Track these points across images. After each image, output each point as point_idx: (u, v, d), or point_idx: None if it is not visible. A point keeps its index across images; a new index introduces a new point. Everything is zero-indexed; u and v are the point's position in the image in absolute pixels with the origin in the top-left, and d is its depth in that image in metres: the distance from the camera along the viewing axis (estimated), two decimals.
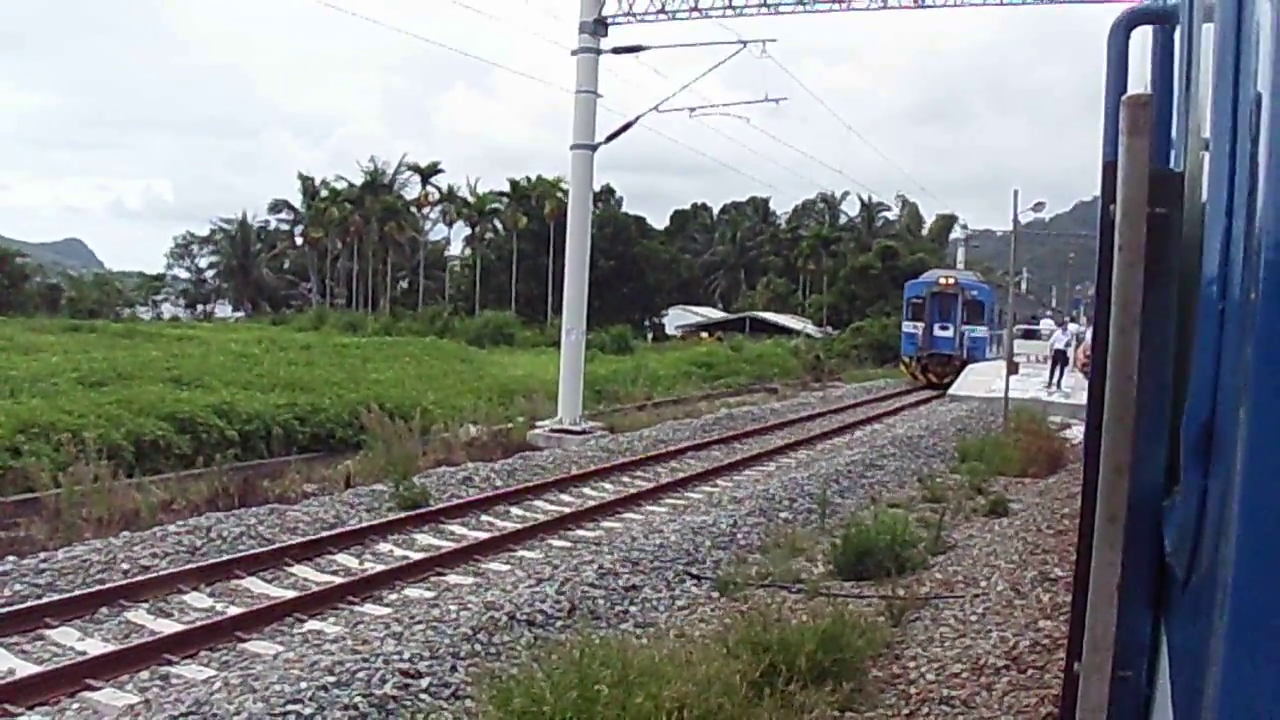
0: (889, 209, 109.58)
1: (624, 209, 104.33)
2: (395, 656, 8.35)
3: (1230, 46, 1.74)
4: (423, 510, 15.16)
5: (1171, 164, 2.88)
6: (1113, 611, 2.08)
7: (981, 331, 44.64)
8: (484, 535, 14.25)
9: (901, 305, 47.99)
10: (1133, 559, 2.15)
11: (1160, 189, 2.18)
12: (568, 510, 16.10)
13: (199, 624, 10.05)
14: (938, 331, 43.61)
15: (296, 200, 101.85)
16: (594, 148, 25.75)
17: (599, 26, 25.48)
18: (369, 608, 10.96)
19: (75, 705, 8.19)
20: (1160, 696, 2.22)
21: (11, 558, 11.58)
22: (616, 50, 25.95)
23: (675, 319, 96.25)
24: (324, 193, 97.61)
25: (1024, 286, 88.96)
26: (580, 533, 14.82)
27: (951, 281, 45.15)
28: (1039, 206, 38.77)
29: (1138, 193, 2.09)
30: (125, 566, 11.56)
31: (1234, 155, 1.67)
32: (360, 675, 7.94)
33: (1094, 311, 2.76)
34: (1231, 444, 1.56)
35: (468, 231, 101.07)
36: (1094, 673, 2.11)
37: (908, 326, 45.38)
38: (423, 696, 7.91)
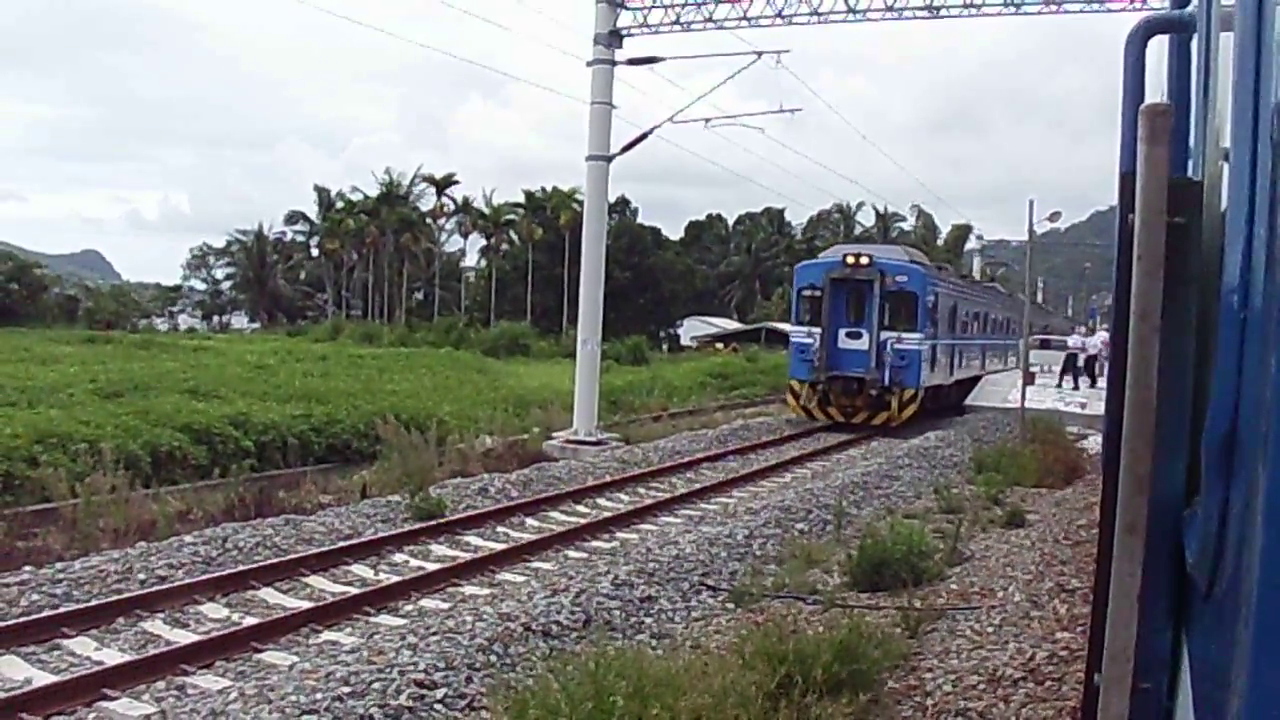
0: (904, 219, 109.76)
1: (639, 220, 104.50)
2: (411, 667, 8.34)
3: (1250, 55, 1.73)
4: (438, 521, 15.16)
5: (1189, 173, 2.87)
6: (1133, 623, 2.07)
7: (913, 340, 28.85)
8: (499, 546, 14.24)
9: (790, 301, 32.76)
10: (1153, 570, 2.14)
11: (1179, 198, 2.18)
12: (583, 521, 16.09)
13: (215, 634, 10.06)
14: (844, 341, 29.15)
15: (312, 212, 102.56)
16: (609, 159, 25.77)
17: (614, 38, 25.52)
18: (384, 618, 10.96)
19: (92, 715, 8.22)
20: (1181, 709, 2.21)
21: (29, 567, 11.61)
22: (631, 62, 25.97)
23: (690, 330, 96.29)
24: (340, 204, 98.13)
25: (1040, 297, 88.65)
26: (596, 544, 14.81)
27: (864, 261, 29.26)
28: (1055, 216, 37.67)
29: (1157, 202, 2.09)
30: (142, 577, 11.59)
31: (1255, 164, 1.66)
32: (375, 686, 7.93)
33: (1112, 321, 2.75)
34: (1254, 454, 1.55)
35: (483, 243, 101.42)
36: (1114, 684, 2.10)
37: (797, 335, 30.44)
38: (438, 707, 7.90)
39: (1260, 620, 1.44)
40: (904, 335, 28.67)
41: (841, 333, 29.21)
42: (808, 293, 30.16)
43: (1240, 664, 1.50)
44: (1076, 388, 39.12)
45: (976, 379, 39.89)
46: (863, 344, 28.88)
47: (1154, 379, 2.06)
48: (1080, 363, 40.80)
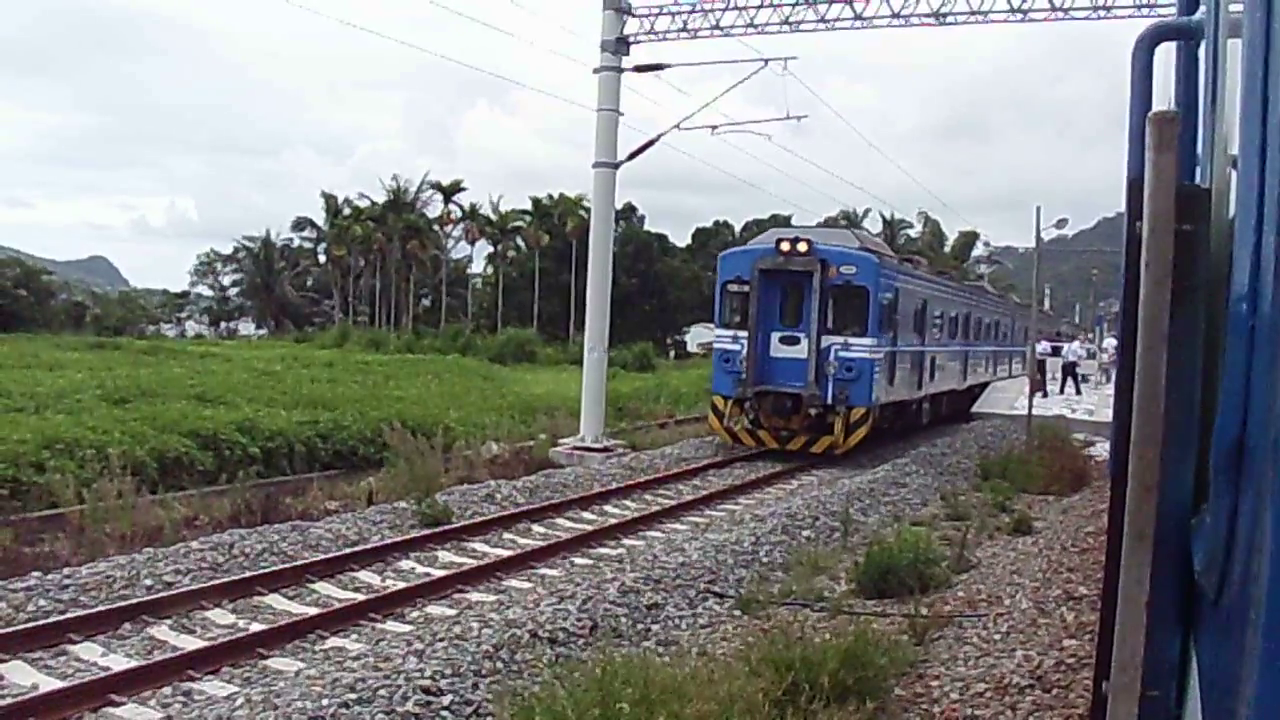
0: (911, 226, 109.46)
1: (646, 226, 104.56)
2: (417, 674, 8.34)
3: (1259, 62, 1.73)
4: (445, 528, 15.17)
5: (1197, 180, 2.87)
6: (1141, 630, 2.06)
7: (863, 347, 23.47)
8: (506, 553, 14.25)
9: (714, 299, 26.16)
10: (1161, 577, 2.14)
11: (1187, 205, 2.17)
12: (590, 528, 16.09)
13: (221, 640, 10.07)
14: (776, 348, 24.01)
15: (319, 218, 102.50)
16: (616, 166, 25.81)
17: (621, 45, 25.57)
18: (391, 625, 10.97)
19: None
20: (1190, 717, 2.20)
21: (36, 573, 11.63)
22: (638, 68, 26.02)
23: (697, 336, 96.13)
24: (347, 211, 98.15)
25: (1047, 304, 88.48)
26: (602, 550, 14.81)
27: (801, 248, 23.72)
28: (1062, 223, 37.43)
29: (1165, 209, 2.08)
30: (148, 582, 11.60)
31: (1263, 171, 1.66)
32: (382, 693, 7.93)
33: (1120, 328, 2.75)
34: (1262, 461, 1.54)
35: (490, 249, 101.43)
36: (1123, 692, 2.09)
37: (721, 340, 25.02)
38: (444, 714, 7.90)
39: (1269, 627, 1.44)
40: (852, 340, 23.46)
41: (774, 337, 24.08)
42: (734, 288, 24.77)
43: (1249, 671, 1.50)
44: (1068, 391, 40.49)
45: (958, 393, 34.81)
46: (800, 351, 23.66)
47: (1162, 386, 2.06)
48: (1053, 370, 42.01)
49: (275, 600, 11.64)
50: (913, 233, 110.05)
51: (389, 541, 14.24)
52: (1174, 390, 2.11)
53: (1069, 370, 41.98)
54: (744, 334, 23.95)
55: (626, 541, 15.44)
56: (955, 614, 10.51)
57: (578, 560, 14.19)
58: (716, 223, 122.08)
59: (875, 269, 23.98)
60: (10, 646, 9.46)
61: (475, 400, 34.61)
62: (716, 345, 25.32)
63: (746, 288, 24.05)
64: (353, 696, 7.79)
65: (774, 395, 23.66)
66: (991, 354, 41.66)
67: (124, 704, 8.46)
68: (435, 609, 11.60)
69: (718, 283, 25.50)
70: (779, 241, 24.18)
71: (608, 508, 18.02)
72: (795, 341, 23.76)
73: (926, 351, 28.88)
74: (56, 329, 66.98)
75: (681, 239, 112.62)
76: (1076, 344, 50.53)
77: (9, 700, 8.30)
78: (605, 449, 25.01)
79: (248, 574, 12.18)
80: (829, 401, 23.28)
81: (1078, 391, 40.42)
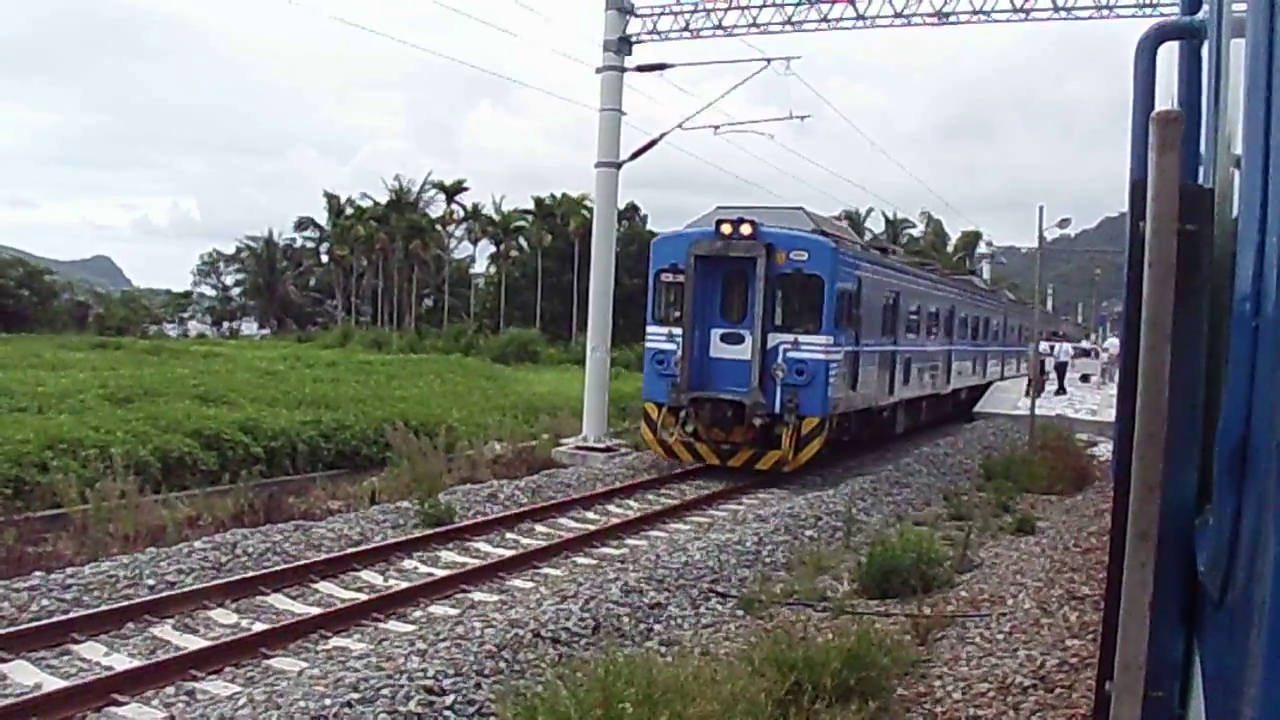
0: (913, 225, 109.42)
1: (649, 226, 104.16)
2: (420, 674, 8.34)
3: (1262, 62, 1.72)
4: (447, 527, 15.17)
5: (1200, 180, 2.87)
6: (1145, 631, 2.06)
7: (817, 346, 20.35)
8: (508, 552, 14.25)
9: (648, 290, 22.44)
10: (1165, 577, 2.14)
11: (1190, 205, 2.17)
12: (592, 528, 16.09)
13: (224, 640, 10.07)
14: (716, 347, 21.04)
15: (322, 218, 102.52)
16: (618, 165, 25.78)
17: (624, 45, 25.54)
18: (393, 625, 10.97)
19: None
20: (1193, 717, 2.20)
21: (39, 573, 11.63)
22: (641, 68, 25.99)
23: None
24: (349, 210, 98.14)
25: (1049, 304, 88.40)
26: (605, 550, 14.81)
27: (744, 230, 20.49)
28: (1065, 223, 37.32)
29: (1168, 209, 2.08)
30: (151, 582, 11.61)
31: (1266, 171, 1.66)
32: (385, 692, 7.93)
33: (1123, 328, 2.74)
34: (1266, 462, 1.54)
35: (493, 249, 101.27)
36: (1125, 693, 2.09)
37: (655, 338, 21.75)
38: (447, 714, 7.90)
39: (1273, 628, 1.44)
40: (803, 339, 20.31)
41: (714, 335, 21.01)
42: (668, 277, 21.64)
43: (1252, 672, 1.50)
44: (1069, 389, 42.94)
45: (940, 398, 31.85)
46: (743, 352, 20.53)
47: (1165, 386, 2.05)
48: (1052, 368, 43.53)
49: (278, 600, 11.64)
50: (915, 232, 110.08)
51: (392, 541, 14.25)
52: (1177, 391, 2.11)
53: (1061, 370, 43.39)
54: (679, 331, 20.96)
55: (629, 541, 15.44)
56: (958, 614, 10.51)
57: (580, 560, 14.20)
58: None
59: (831, 255, 20.63)
60: (14, 646, 9.47)
61: (478, 400, 34.58)
62: (649, 345, 21.96)
63: (680, 277, 21.09)
64: (355, 696, 7.80)
65: (713, 403, 20.57)
66: (981, 354, 38.56)
67: (127, 703, 8.47)
68: (438, 609, 11.61)
69: (650, 272, 22.16)
70: (719, 223, 20.76)
71: (610, 507, 18.02)
72: (738, 340, 20.71)
73: (899, 351, 25.82)
74: (59, 329, 67.06)
75: None
76: (1068, 345, 52.18)
77: (12, 700, 8.31)
78: (608, 448, 24.99)
79: (250, 574, 12.18)
80: (776, 410, 20.19)
81: (1060, 390, 42.06)
